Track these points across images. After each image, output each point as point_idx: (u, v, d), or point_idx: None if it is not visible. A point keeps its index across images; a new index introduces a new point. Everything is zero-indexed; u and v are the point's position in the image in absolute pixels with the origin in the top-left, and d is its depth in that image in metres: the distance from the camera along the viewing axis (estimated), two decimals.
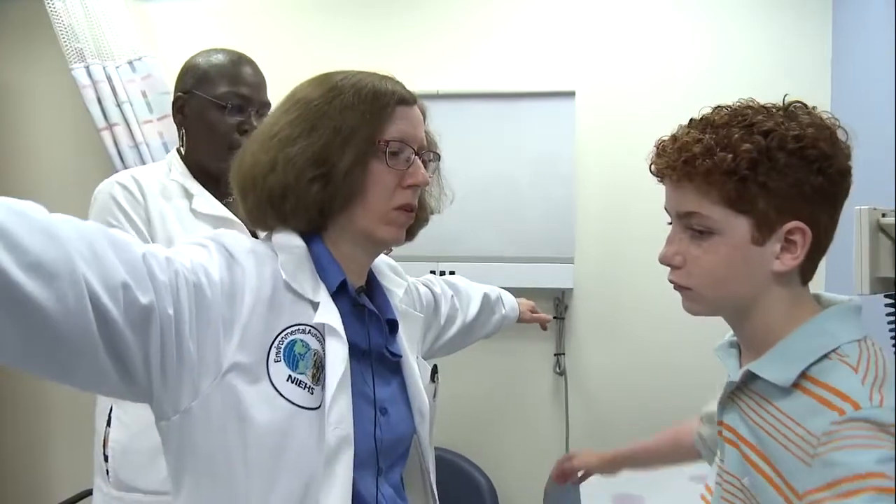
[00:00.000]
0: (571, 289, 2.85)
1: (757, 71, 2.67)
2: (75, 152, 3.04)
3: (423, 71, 2.86)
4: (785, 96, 1.02)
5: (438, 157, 1.20)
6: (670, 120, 2.93)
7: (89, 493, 1.81)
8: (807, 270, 1.03)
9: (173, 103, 1.73)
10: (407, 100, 1.12)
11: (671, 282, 1.08)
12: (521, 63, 2.87)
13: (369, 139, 1.07)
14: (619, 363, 2.83)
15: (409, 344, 1.22)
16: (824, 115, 1.00)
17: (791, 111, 0.99)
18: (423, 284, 1.50)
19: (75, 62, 2.69)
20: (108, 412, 1.65)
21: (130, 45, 2.74)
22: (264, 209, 1.09)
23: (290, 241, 1.08)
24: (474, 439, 2.90)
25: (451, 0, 2.92)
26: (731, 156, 0.95)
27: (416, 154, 1.12)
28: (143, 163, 2.64)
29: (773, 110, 1.00)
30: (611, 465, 1.69)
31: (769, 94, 1.06)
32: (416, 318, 1.30)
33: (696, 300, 1.06)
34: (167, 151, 2.64)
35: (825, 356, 0.96)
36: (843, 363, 0.94)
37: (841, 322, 1.00)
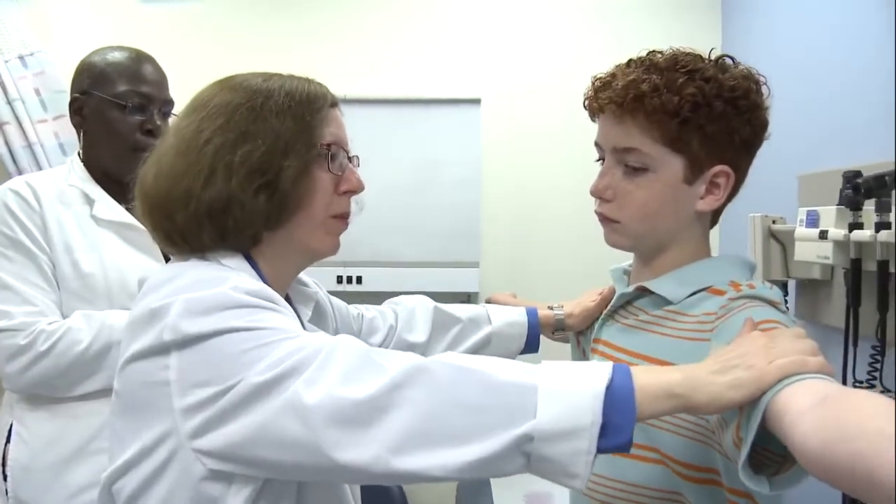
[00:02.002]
0: (477, 293, 2.89)
1: None
2: None
3: (330, 76, 2.78)
4: (711, 50, 1.08)
5: (358, 162, 1.14)
6: (574, 128, 2.99)
7: None
8: (716, 214, 1.13)
9: (70, 105, 1.65)
10: (335, 102, 1.09)
11: (598, 214, 1.13)
12: (428, 70, 2.90)
13: (310, 143, 1.02)
14: None
15: None
16: (750, 69, 1.07)
17: (721, 63, 1.06)
18: (355, 307, 1.41)
19: None
20: (7, 429, 1.56)
21: (21, 39, 2.61)
22: (200, 226, 0.98)
23: (246, 272, 0.98)
24: None
25: (358, 6, 2.92)
26: (676, 98, 1.00)
27: (348, 158, 1.09)
28: (38, 164, 2.52)
29: (707, 60, 1.06)
30: None
31: None
32: None
33: (622, 233, 1.11)
34: (63, 153, 2.53)
35: (712, 287, 1.06)
36: (731, 286, 1.04)
37: (733, 266, 1.10)
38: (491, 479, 2.37)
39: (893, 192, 1.41)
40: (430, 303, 1.45)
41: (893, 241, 1.39)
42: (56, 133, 2.59)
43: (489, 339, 1.42)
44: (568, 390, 0.78)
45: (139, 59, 1.65)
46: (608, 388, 0.78)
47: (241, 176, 0.97)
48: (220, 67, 1.16)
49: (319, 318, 1.25)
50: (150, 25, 2.84)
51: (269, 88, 1.02)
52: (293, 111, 1.01)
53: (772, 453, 0.85)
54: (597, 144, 1.13)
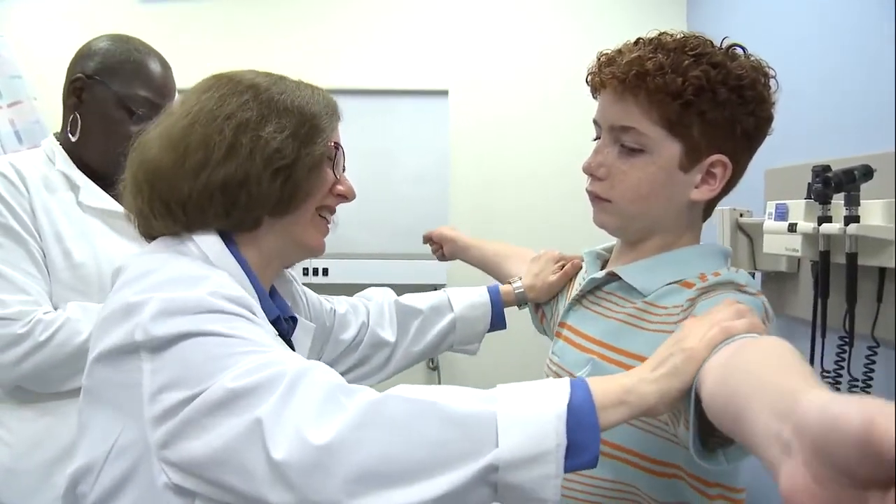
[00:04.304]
0: (445, 284, 2.88)
1: None
2: None
3: (297, 67, 2.76)
4: (724, 39, 1.04)
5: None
6: (543, 120, 2.99)
7: None
8: (710, 207, 1.11)
9: (71, 83, 1.52)
10: (340, 116, 1.11)
11: (590, 192, 1.09)
12: (396, 60, 2.88)
13: (326, 140, 1.04)
14: (494, 357, 2.89)
15: (300, 351, 1.15)
16: (761, 61, 1.04)
17: (731, 51, 1.03)
18: (327, 300, 1.39)
19: None
20: None
21: None
22: (210, 198, 0.97)
23: (229, 265, 0.97)
24: None
25: None
26: (680, 79, 0.97)
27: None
28: None
29: (717, 47, 1.03)
30: (462, 251, 1.69)
31: None
32: (307, 327, 1.20)
33: (613, 213, 1.07)
34: (20, 140, 2.45)
35: (684, 281, 1.04)
36: (699, 279, 1.03)
37: (704, 257, 1.08)
38: None
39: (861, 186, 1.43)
40: (392, 296, 1.45)
41: (862, 234, 1.41)
42: (12, 120, 2.51)
43: (454, 325, 1.42)
44: (528, 414, 0.76)
45: (156, 62, 1.56)
46: (568, 407, 0.76)
47: (265, 154, 0.97)
48: (186, 62, 1.13)
49: (295, 311, 1.23)
50: (144, 21, 2.77)
51: (286, 83, 1.05)
52: (317, 105, 1.04)
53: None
54: (595, 122, 1.10)
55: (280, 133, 0.98)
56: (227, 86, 1.02)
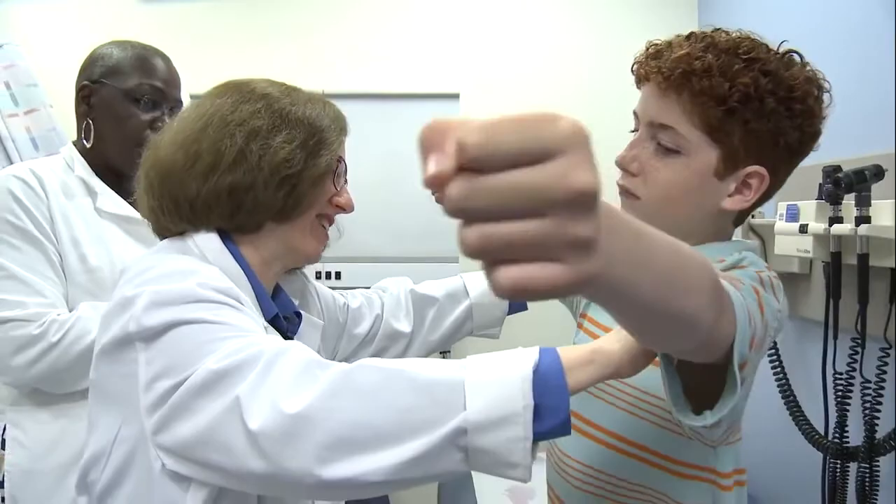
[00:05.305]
0: None
1: None
2: None
3: (308, 70, 2.81)
4: (782, 42, 0.98)
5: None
6: None
7: None
8: (742, 216, 1.05)
9: (78, 92, 1.57)
10: (347, 131, 1.14)
11: (620, 186, 1.05)
12: (406, 64, 2.89)
13: (332, 154, 1.07)
14: (517, 341, 2.89)
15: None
16: (817, 72, 0.98)
17: (788, 59, 0.97)
18: (341, 295, 1.39)
19: None
20: (0, 434, 1.49)
21: None
22: (218, 198, 1.00)
23: (226, 263, 1.00)
24: None
25: (336, 1, 2.90)
26: (727, 84, 0.92)
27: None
28: (9, 159, 2.45)
29: (773, 51, 0.97)
30: None
31: None
32: (315, 323, 1.21)
33: (640, 210, 1.01)
34: (35, 148, 2.48)
35: None
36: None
37: (721, 254, 1.01)
38: (473, 474, 2.36)
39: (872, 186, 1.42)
40: (408, 285, 1.44)
41: (873, 235, 1.41)
42: (28, 128, 2.53)
43: (470, 312, 1.41)
44: (495, 379, 0.76)
45: (156, 55, 1.61)
46: (536, 370, 0.76)
47: (273, 163, 1.01)
48: (195, 64, 1.15)
49: (305, 308, 1.24)
50: (151, 25, 2.79)
51: (299, 95, 1.08)
52: (327, 116, 1.07)
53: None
54: (634, 113, 1.05)
55: (289, 143, 1.02)
56: (240, 93, 1.05)
